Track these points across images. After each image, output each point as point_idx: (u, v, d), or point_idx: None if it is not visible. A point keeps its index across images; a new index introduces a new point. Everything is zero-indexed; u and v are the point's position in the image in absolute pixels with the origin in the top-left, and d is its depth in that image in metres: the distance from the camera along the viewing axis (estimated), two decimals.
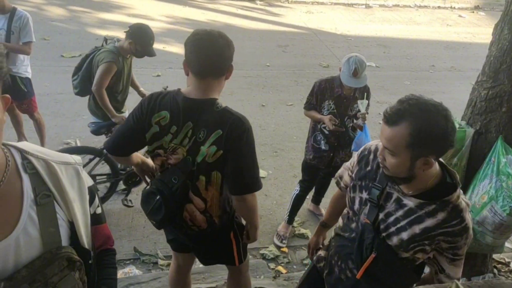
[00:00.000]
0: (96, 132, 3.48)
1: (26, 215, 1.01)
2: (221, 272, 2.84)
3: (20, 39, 3.71)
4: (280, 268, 3.19)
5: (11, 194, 1.00)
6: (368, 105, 3.21)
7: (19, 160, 1.05)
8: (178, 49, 6.93)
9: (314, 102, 3.24)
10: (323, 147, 3.30)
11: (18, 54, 3.77)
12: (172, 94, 1.86)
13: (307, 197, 3.65)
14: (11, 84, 3.78)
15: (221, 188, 1.91)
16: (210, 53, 1.77)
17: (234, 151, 1.80)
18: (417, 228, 1.48)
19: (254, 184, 1.87)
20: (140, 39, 3.26)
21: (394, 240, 1.54)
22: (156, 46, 3.44)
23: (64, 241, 1.06)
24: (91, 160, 3.46)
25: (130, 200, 3.54)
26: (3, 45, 3.48)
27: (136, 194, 3.64)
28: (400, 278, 1.64)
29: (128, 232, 3.38)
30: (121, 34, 3.71)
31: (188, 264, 2.40)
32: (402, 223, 1.51)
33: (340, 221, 1.89)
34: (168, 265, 3.00)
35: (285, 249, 3.40)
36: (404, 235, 1.51)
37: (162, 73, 6.09)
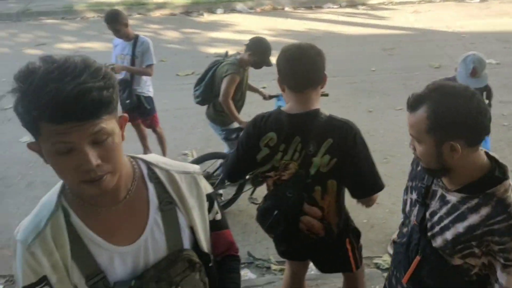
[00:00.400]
0: (227, 138, 3.76)
1: (153, 220, 1.11)
2: (335, 279, 2.81)
3: (143, 63, 4.12)
4: None
5: (139, 201, 1.12)
6: (489, 105, 2.95)
7: (145, 171, 1.15)
8: None
9: None
10: None
11: (142, 76, 4.20)
12: (274, 114, 1.93)
13: None
14: (137, 103, 4.22)
15: (337, 196, 1.92)
16: (304, 66, 1.80)
17: (350, 156, 1.81)
18: (460, 227, 1.36)
19: (377, 183, 1.88)
20: (259, 50, 3.50)
21: (438, 240, 1.42)
22: None
23: (186, 245, 1.15)
24: (221, 165, 3.73)
25: (256, 198, 3.73)
26: (128, 69, 3.86)
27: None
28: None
29: (242, 237, 3.53)
30: (229, 51, 3.95)
31: (303, 271, 2.43)
32: (446, 221, 1.41)
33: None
34: (281, 270, 3.07)
35: None
36: (448, 235, 1.39)
37: (267, 85, 6.27)
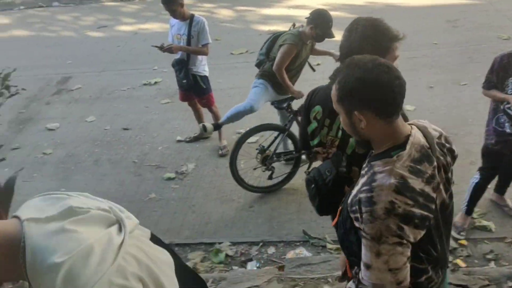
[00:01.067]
0: (279, 107, 3.80)
1: None
2: None
3: (199, 42, 4.17)
4: (458, 261, 2.95)
5: None
6: None
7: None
8: (337, 36, 6.89)
9: (494, 80, 2.90)
10: (508, 130, 2.92)
11: (198, 55, 4.26)
12: (324, 88, 1.93)
13: (489, 186, 3.28)
14: (193, 82, 4.31)
15: None
16: (346, 43, 1.79)
17: None
18: (354, 190, 1.44)
19: None
20: (320, 23, 3.48)
21: (348, 200, 1.49)
22: None
23: None
24: (275, 138, 3.76)
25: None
26: (184, 49, 3.88)
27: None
28: (351, 244, 1.52)
29: (297, 216, 3.55)
30: (281, 28, 3.92)
31: None
32: (355, 184, 1.50)
33: None
34: (337, 249, 3.06)
35: (464, 242, 3.13)
36: (350, 197, 1.46)
37: (322, 62, 6.13)
